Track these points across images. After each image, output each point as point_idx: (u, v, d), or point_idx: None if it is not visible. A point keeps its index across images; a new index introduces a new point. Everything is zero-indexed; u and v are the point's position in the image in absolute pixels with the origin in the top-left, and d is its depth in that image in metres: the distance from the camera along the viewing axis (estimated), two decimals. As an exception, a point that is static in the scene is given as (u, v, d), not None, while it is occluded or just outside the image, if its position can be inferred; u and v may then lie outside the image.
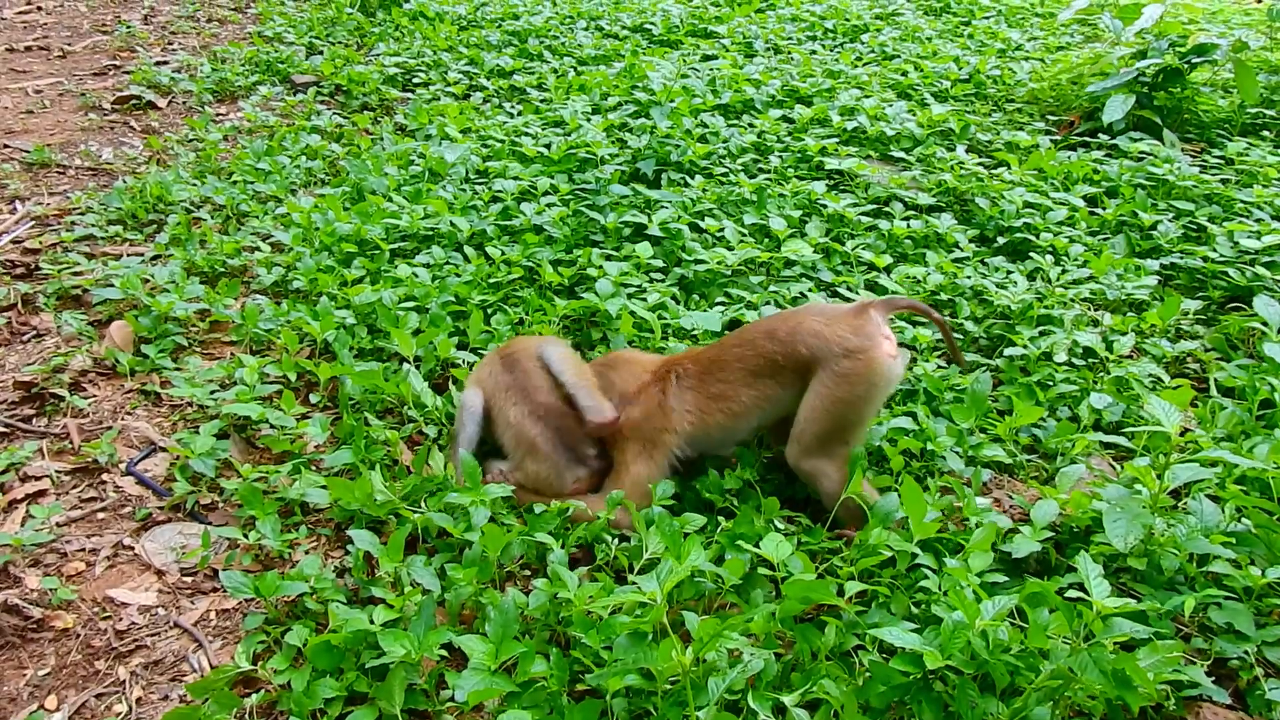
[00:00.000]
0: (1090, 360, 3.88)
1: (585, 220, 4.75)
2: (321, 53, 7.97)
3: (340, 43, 8.31)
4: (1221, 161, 5.58)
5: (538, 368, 3.30)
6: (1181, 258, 4.57)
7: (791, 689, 2.32)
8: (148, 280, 4.18)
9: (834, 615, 2.56)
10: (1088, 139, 6.06)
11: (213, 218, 4.97)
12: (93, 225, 4.84)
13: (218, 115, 6.71)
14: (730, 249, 4.44)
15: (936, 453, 3.21)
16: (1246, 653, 2.46)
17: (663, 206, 4.76)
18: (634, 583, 2.58)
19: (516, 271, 4.29)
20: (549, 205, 4.85)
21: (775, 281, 4.31)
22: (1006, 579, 2.65)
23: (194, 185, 5.25)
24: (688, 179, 5.22)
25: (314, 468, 3.25)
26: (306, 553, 2.95)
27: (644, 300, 4.04)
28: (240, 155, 5.59)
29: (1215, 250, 4.54)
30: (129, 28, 8.45)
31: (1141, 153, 5.64)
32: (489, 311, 4.05)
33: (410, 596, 2.57)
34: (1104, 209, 4.98)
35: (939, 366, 3.80)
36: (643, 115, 6.05)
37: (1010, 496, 3.16)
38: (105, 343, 3.88)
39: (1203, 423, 3.42)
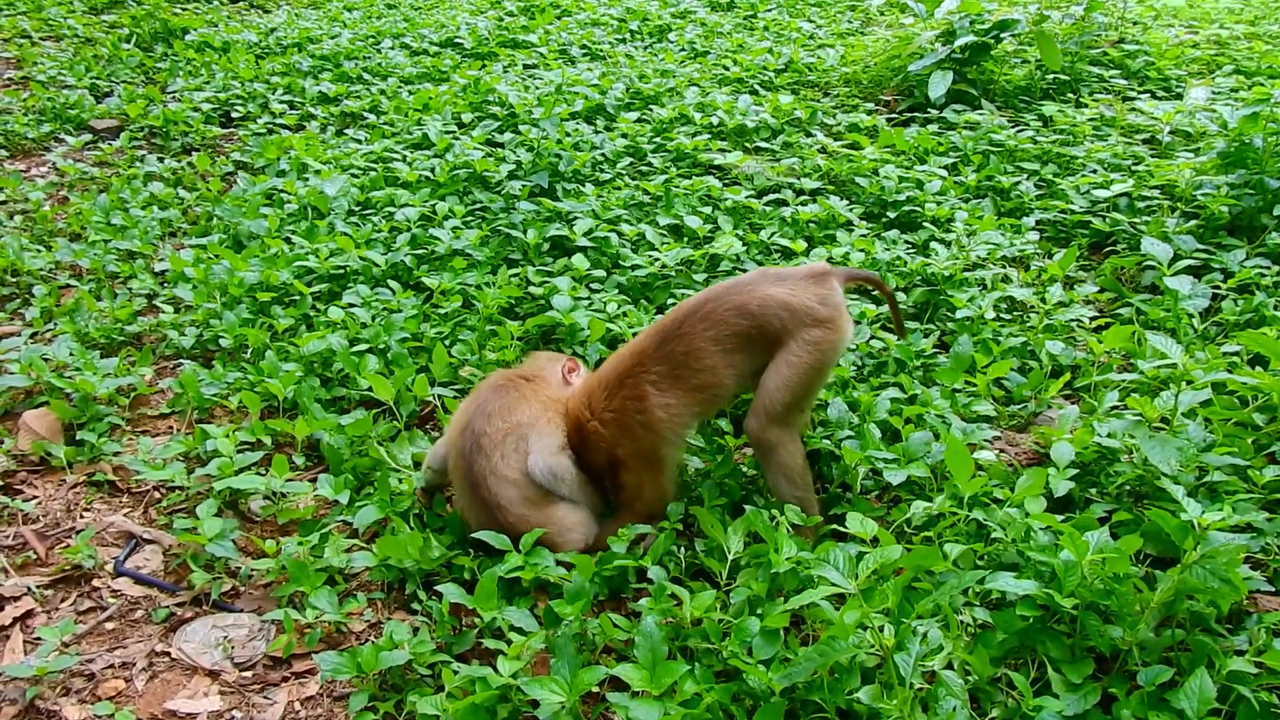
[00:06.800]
0: (1014, 313, 4.24)
1: (503, 239, 4.66)
2: (110, 94, 7.28)
3: (127, 81, 7.61)
4: (1040, 124, 6.19)
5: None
6: (1044, 213, 5.06)
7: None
8: (48, 360, 3.71)
9: (929, 579, 2.68)
10: (913, 114, 6.56)
11: (82, 283, 4.46)
12: (-60, 309, 4.23)
13: (19, 172, 5.99)
14: (656, 250, 4.49)
15: (936, 414, 3.41)
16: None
17: (575, 218, 4.73)
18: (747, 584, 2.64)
19: (455, 300, 4.15)
20: (462, 228, 4.70)
21: (717, 277, 4.38)
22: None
23: (42, 250, 4.69)
24: (579, 188, 5.21)
25: (335, 531, 3.03)
26: (370, 622, 2.76)
27: (604, 311, 4.02)
28: (86, 213, 5.03)
29: (1072, 203, 5.05)
30: None
31: (969, 122, 6.17)
32: (448, 344, 3.89)
33: (526, 643, 2.46)
34: (963, 176, 5.41)
35: (875, 336, 4.01)
36: (509, 130, 5.97)
37: (1010, 445, 3.41)
38: (23, 435, 3.43)
39: (1136, 354, 3.81)
